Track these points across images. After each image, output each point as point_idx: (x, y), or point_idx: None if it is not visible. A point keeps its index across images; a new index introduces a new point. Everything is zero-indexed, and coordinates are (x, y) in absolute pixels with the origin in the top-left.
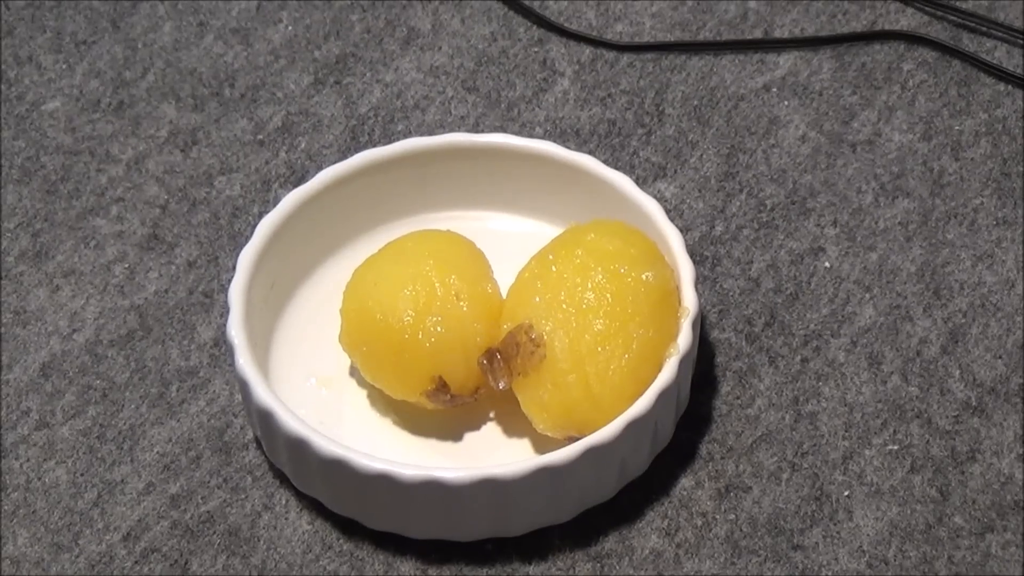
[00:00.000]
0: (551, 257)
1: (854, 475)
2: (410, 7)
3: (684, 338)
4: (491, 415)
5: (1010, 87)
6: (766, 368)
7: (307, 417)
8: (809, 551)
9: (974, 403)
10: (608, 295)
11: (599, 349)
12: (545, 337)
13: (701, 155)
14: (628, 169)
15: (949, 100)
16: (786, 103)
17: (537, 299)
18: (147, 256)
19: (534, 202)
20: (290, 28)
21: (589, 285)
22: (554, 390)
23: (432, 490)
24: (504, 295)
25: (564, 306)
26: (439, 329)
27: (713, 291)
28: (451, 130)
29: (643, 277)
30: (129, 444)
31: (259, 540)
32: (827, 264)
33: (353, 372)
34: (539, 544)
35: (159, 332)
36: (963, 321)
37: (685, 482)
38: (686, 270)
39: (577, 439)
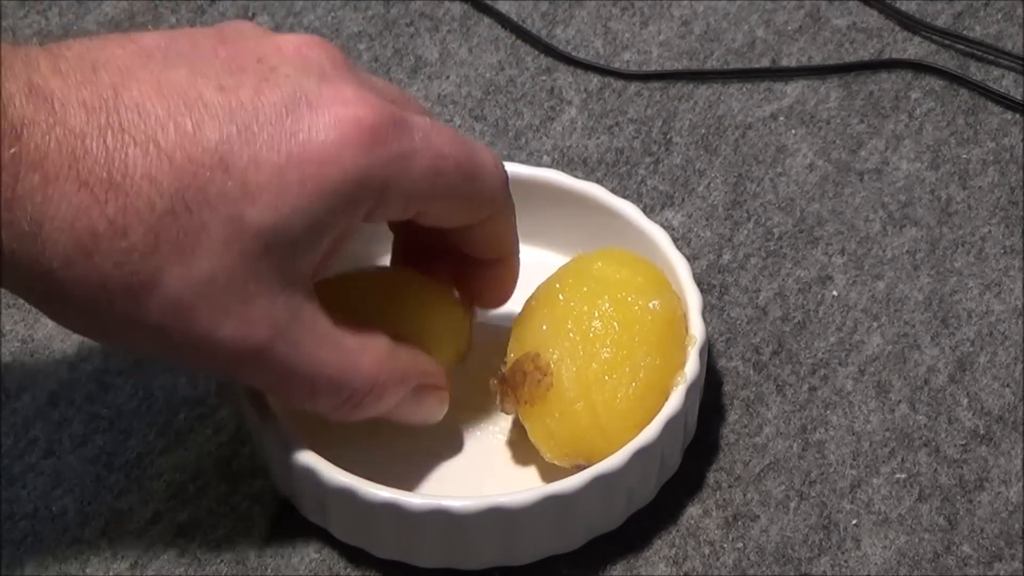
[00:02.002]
0: (558, 286)
1: (862, 504)
2: (418, 36)
3: (691, 366)
4: (498, 443)
5: (1017, 116)
6: (774, 396)
7: (313, 444)
8: None
9: (982, 432)
10: (615, 324)
11: (606, 378)
12: (552, 366)
13: (708, 184)
14: (635, 198)
15: (956, 129)
16: (794, 132)
17: (544, 327)
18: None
19: (541, 231)
20: None
21: (596, 314)
22: (561, 419)
23: (439, 519)
24: (511, 323)
25: (571, 335)
26: None
27: (721, 319)
28: None
29: (650, 306)
30: (136, 473)
31: (266, 568)
32: (835, 292)
33: None
34: (546, 573)
35: (166, 361)
36: (971, 349)
37: (692, 511)
38: (693, 298)
39: (584, 467)
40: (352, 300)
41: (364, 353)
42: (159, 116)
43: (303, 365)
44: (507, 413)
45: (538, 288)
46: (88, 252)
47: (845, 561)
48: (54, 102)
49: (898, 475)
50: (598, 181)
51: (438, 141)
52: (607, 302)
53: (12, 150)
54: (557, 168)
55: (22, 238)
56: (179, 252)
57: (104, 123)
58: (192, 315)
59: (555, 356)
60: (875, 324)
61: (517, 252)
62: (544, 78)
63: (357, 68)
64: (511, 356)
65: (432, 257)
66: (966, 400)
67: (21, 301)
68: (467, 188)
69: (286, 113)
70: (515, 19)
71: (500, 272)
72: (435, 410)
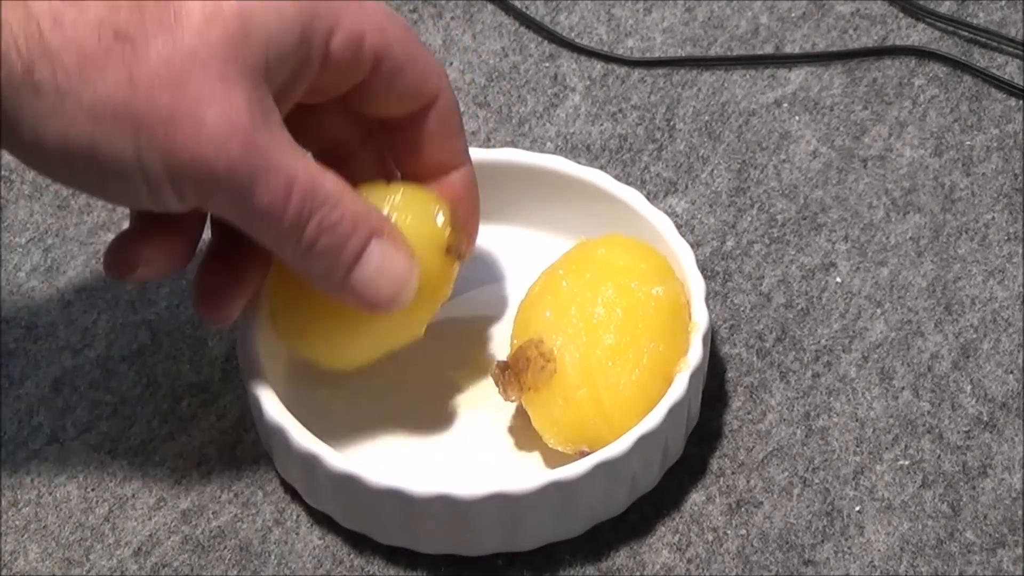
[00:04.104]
0: (561, 272)
1: (865, 490)
2: (421, 23)
3: (695, 353)
4: (501, 430)
5: (1021, 102)
6: (777, 383)
7: (318, 432)
8: (820, 566)
9: (985, 418)
10: (619, 310)
11: (609, 364)
12: (555, 352)
13: (712, 170)
14: (639, 184)
15: (960, 115)
16: (797, 118)
17: (548, 314)
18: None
19: (545, 217)
20: None
21: (600, 300)
22: (565, 405)
23: (443, 505)
24: (515, 310)
25: (574, 321)
26: None
27: (724, 306)
28: None
29: (653, 292)
30: (140, 459)
31: (270, 555)
32: (838, 279)
33: (365, 385)
34: (550, 559)
35: (170, 347)
36: (974, 336)
37: (696, 497)
38: (697, 285)
39: (588, 454)
40: None
41: (328, 174)
42: None
43: (282, 162)
44: (509, 400)
45: (541, 275)
46: (77, 6)
47: (848, 547)
48: None
49: (901, 462)
50: (602, 168)
51: (388, 8)
52: (611, 288)
53: None
54: (561, 155)
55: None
56: (161, 24)
57: None
58: (180, 87)
59: (559, 342)
60: (878, 311)
61: (466, 152)
62: (548, 65)
63: None
64: (514, 343)
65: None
66: (969, 387)
67: (24, 288)
68: (415, 53)
69: None
70: (519, 6)
71: (455, 187)
72: (401, 273)
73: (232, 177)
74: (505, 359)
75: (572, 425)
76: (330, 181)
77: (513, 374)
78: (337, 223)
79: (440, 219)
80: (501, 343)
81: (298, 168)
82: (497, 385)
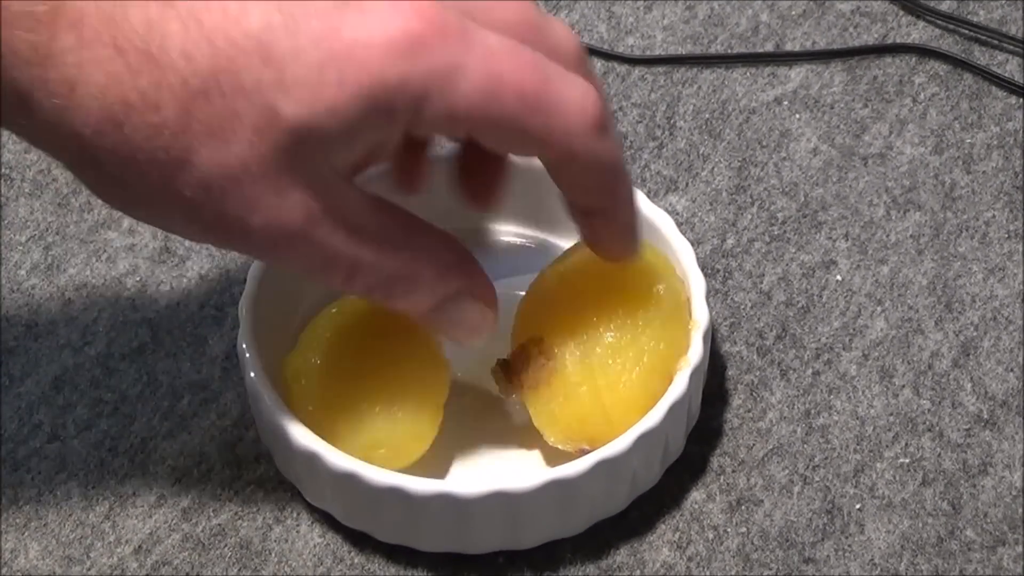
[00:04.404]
0: (561, 271)
1: (865, 488)
2: None
3: (695, 351)
4: (502, 428)
5: (1021, 100)
6: (777, 381)
7: (317, 429)
8: (820, 564)
9: (986, 416)
10: (619, 308)
11: (610, 362)
12: (556, 350)
13: (712, 168)
14: (639, 182)
15: (960, 113)
16: (797, 116)
17: (548, 312)
18: (159, 269)
19: (546, 216)
20: None
21: (600, 298)
22: (565, 403)
23: (443, 503)
24: (515, 309)
25: (574, 319)
26: None
27: (724, 304)
28: None
29: (654, 290)
30: (140, 457)
31: (270, 553)
32: (839, 277)
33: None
34: (550, 557)
35: (171, 345)
36: (975, 334)
37: (696, 495)
38: (697, 283)
39: (588, 451)
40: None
41: (399, 250)
42: None
43: (340, 253)
44: (510, 399)
45: (542, 272)
46: (119, 122)
47: (849, 545)
48: None
49: (902, 460)
50: None
51: (501, 63)
52: (611, 286)
53: (45, 7)
54: None
55: (55, 98)
56: (211, 134)
57: None
58: (224, 198)
59: (559, 340)
60: (879, 309)
61: (617, 208)
62: None
63: None
64: (515, 341)
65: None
66: (970, 385)
67: (24, 286)
68: (529, 121)
69: (336, 10)
70: None
71: (594, 223)
72: (476, 325)
73: (287, 266)
74: (505, 357)
75: (573, 422)
76: (401, 259)
77: (514, 372)
78: (400, 290)
79: None
80: (501, 342)
81: (362, 255)
82: (497, 384)
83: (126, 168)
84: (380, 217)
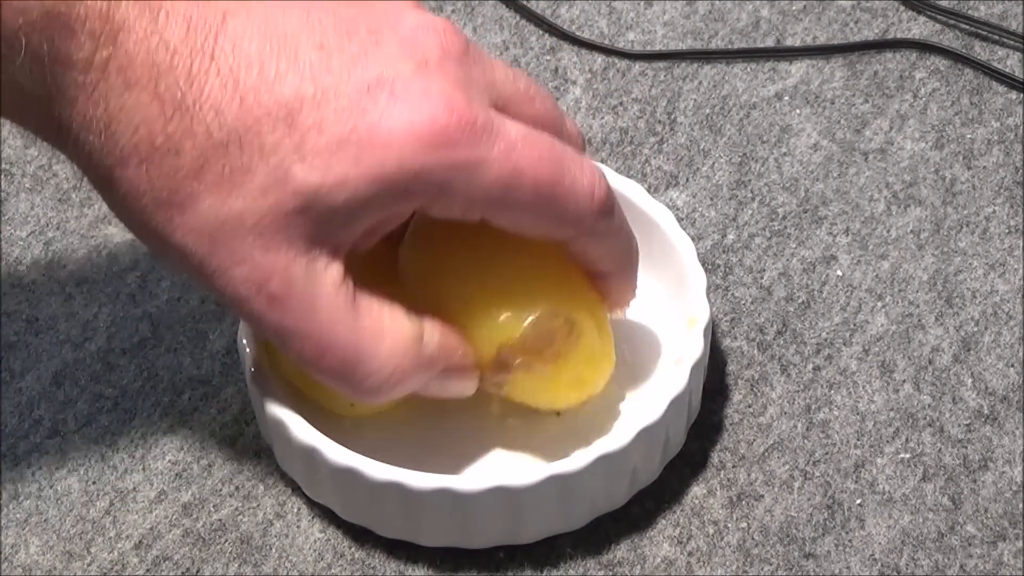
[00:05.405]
0: (430, 255)
1: (866, 483)
2: None
3: (696, 346)
4: (502, 422)
5: (1022, 95)
6: (778, 376)
7: (317, 424)
8: (821, 559)
9: (986, 411)
10: (522, 245)
11: (595, 299)
12: (575, 316)
13: (713, 163)
14: (640, 177)
15: (961, 109)
16: (798, 111)
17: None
18: (159, 264)
19: None
20: None
21: (498, 244)
22: (589, 360)
23: (444, 498)
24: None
25: (531, 283)
26: None
27: (725, 299)
28: None
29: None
30: (141, 452)
31: (271, 548)
32: (839, 272)
33: None
34: (551, 552)
35: (171, 340)
36: (975, 330)
37: (697, 490)
38: (698, 278)
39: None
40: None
41: (383, 339)
42: (250, 56)
43: (315, 333)
44: (500, 389)
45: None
46: (142, 159)
47: (849, 541)
48: (159, 12)
49: (902, 455)
50: (602, 161)
51: (521, 156)
52: (487, 232)
53: (106, 52)
54: None
55: (91, 131)
56: (219, 184)
57: (198, 47)
58: (213, 246)
59: (558, 306)
60: (879, 304)
61: (622, 273)
62: (548, 58)
63: (475, 60)
64: (489, 335)
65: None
66: (970, 380)
67: (25, 281)
68: (543, 209)
69: (367, 91)
70: None
71: (606, 283)
72: (461, 390)
73: (260, 324)
74: (512, 343)
75: (595, 376)
76: (385, 345)
77: (532, 353)
78: (383, 387)
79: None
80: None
81: (337, 333)
82: (500, 374)
83: (137, 202)
84: (363, 310)
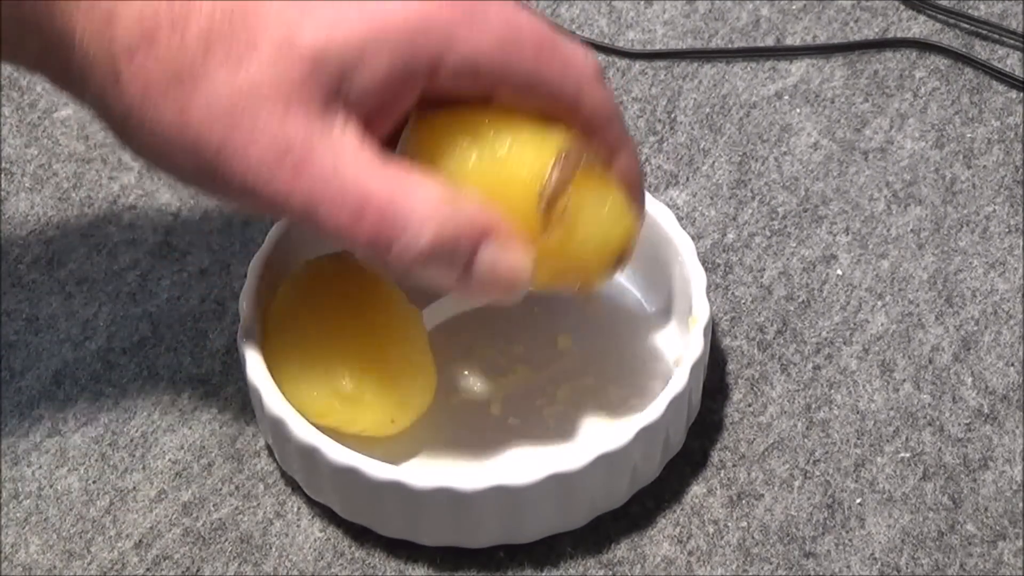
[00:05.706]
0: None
1: (866, 483)
2: None
3: (696, 345)
4: (502, 421)
5: (1022, 95)
6: (778, 375)
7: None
8: (821, 559)
9: (986, 411)
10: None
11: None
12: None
13: (713, 163)
14: None
15: (961, 108)
16: (798, 111)
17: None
18: (159, 263)
19: None
20: None
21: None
22: (611, 197)
23: (444, 498)
24: (515, 307)
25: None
26: None
27: (725, 298)
28: None
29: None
30: (141, 451)
31: (271, 547)
32: (839, 272)
33: None
34: (551, 551)
35: (171, 339)
36: (975, 329)
37: (697, 489)
38: (698, 277)
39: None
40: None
41: (417, 188)
42: None
43: (346, 192)
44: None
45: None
46: (149, 42)
47: (849, 540)
48: None
49: (902, 454)
50: None
51: (519, 13)
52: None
53: None
54: None
55: (98, 22)
56: (226, 60)
57: None
58: (231, 122)
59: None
60: (879, 303)
61: (623, 145)
62: None
63: None
64: (544, 148)
65: None
66: (970, 379)
67: (25, 280)
68: (546, 68)
69: None
70: None
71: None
72: (515, 272)
73: (288, 202)
74: (565, 152)
75: (620, 212)
76: (418, 198)
77: (583, 170)
78: (429, 249)
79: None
80: (502, 339)
81: (368, 188)
82: (554, 214)
83: (148, 90)
84: (389, 163)
